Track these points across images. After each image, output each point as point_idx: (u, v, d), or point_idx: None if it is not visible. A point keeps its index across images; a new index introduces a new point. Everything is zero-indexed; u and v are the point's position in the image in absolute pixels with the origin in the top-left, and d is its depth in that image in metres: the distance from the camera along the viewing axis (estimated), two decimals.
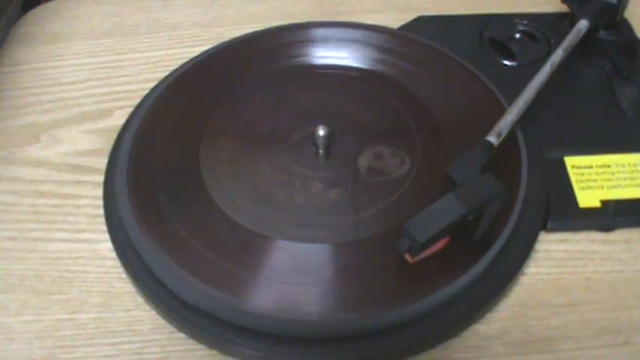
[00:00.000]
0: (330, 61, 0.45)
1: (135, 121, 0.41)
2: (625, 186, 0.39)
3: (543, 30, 0.49)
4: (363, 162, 0.39)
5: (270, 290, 0.33)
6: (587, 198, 0.39)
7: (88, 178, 0.42)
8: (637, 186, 0.39)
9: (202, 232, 0.36)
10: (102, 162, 0.41)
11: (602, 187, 0.39)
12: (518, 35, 0.49)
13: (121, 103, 0.46)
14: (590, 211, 0.38)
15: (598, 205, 0.39)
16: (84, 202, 0.40)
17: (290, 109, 0.42)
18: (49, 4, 0.55)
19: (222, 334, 0.33)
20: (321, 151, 0.39)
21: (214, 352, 0.34)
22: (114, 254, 0.37)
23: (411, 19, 0.50)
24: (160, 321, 0.35)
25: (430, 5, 0.53)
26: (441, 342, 0.34)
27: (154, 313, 0.35)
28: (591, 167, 0.40)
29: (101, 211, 0.39)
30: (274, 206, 0.37)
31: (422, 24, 0.50)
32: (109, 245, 0.37)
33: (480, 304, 0.34)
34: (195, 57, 0.46)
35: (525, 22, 0.49)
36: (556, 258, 0.37)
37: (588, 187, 0.39)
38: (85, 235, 0.39)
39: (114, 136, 0.42)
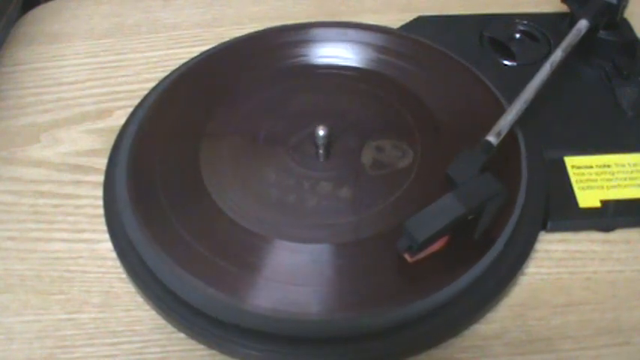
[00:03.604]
0: (329, 61, 0.45)
1: (135, 121, 0.41)
2: (625, 186, 0.39)
3: (543, 30, 0.49)
4: (363, 162, 0.39)
5: (270, 290, 0.33)
6: (587, 198, 0.39)
7: (88, 178, 0.42)
8: (637, 186, 0.39)
9: (202, 232, 0.36)
10: (102, 162, 0.41)
11: (602, 187, 0.39)
12: (518, 35, 0.49)
13: (121, 103, 0.46)
14: (590, 211, 0.38)
15: (598, 205, 0.39)
16: (84, 202, 0.40)
17: (290, 109, 0.42)
18: (49, 4, 0.55)
19: (221, 334, 0.33)
20: (321, 151, 0.39)
21: (214, 352, 0.34)
22: (114, 254, 0.37)
23: (411, 19, 0.50)
24: (159, 321, 0.35)
25: (430, 5, 0.53)
26: (441, 342, 0.34)
27: (153, 313, 0.35)
28: (591, 167, 0.40)
29: (101, 211, 0.39)
30: (274, 206, 0.37)
31: (422, 24, 0.50)
32: (109, 245, 0.37)
33: (480, 304, 0.34)
34: (195, 57, 0.46)
35: (525, 22, 0.49)
36: (556, 258, 0.37)
37: (588, 187, 0.39)
38: (85, 235, 0.39)
39: (114, 136, 0.42)
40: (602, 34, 0.46)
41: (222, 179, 0.38)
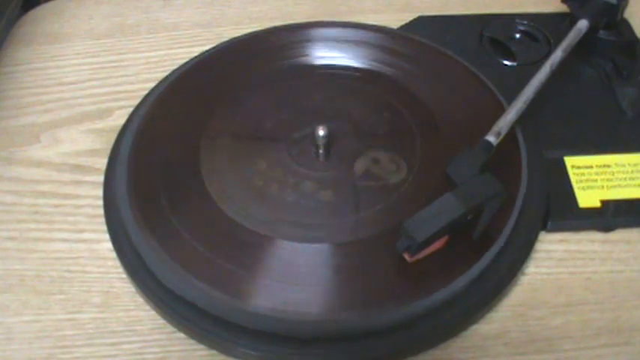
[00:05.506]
0: (330, 61, 0.45)
1: (135, 121, 0.41)
2: (625, 186, 0.39)
3: (543, 30, 0.49)
4: (363, 161, 0.39)
5: (269, 290, 0.33)
6: (587, 198, 0.39)
7: (88, 178, 0.42)
8: (637, 186, 0.39)
9: (202, 231, 0.36)
10: (102, 162, 0.41)
11: (602, 187, 0.39)
12: (518, 35, 0.49)
13: (121, 103, 0.46)
14: (590, 211, 0.38)
15: (598, 205, 0.39)
16: (84, 202, 0.40)
17: (290, 109, 0.42)
18: (49, 4, 0.55)
19: (222, 334, 0.33)
20: (320, 151, 0.39)
21: (214, 352, 0.34)
22: (114, 254, 0.37)
23: (411, 19, 0.50)
24: (160, 321, 0.35)
25: (430, 5, 0.53)
26: (441, 342, 0.34)
27: (153, 313, 0.35)
28: (591, 167, 0.40)
29: (101, 211, 0.39)
30: (274, 206, 0.37)
31: (422, 24, 0.50)
32: (109, 245, 0.37)
33: (480, 304, 0.34)
34: (195, 57, 0.46)
35: (525, 22, 0.49)
36: (556, 258, 0.37)
37: (588, 187, 0.39)
38: (85, 235, 0.39)
39: (114, 136, 0.42)
40: (602, 34, 0.46)
41: (222, 179, 0.38)
